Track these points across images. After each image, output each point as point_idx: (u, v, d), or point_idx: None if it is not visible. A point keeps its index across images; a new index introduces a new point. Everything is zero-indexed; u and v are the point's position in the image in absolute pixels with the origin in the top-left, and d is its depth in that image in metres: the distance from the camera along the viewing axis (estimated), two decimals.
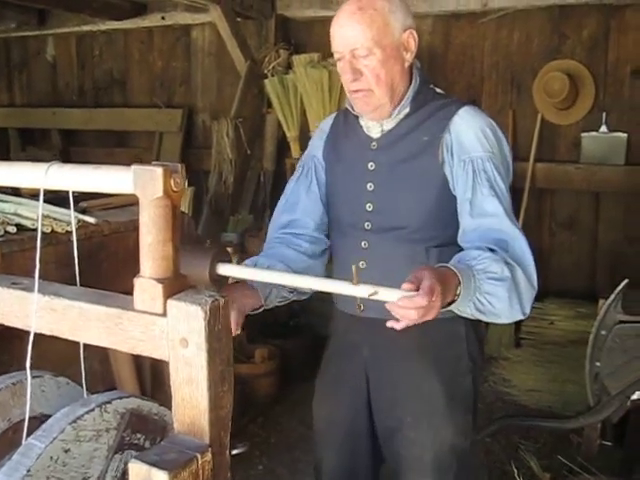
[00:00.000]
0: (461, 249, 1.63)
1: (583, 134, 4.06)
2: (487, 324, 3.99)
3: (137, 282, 0.87)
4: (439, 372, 1.76)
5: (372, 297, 1.27)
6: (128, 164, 0.87)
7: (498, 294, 1.51)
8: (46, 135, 5.82)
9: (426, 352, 1.74)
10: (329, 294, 1.56)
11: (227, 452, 0.89)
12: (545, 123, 4.14)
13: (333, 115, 1.93)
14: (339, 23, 1.65)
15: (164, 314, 0.85)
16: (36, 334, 0.95)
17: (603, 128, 4.01)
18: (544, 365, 3.79)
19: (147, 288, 0.86)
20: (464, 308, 1.52)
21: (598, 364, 2.38)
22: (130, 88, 5.47)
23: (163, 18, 4.97)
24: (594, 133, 4.04)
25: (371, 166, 1.74)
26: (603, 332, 2.35)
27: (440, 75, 4.34)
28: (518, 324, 4.04)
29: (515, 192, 3.94)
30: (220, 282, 1.38)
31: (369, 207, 1.74)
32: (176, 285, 0.86)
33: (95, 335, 0.91)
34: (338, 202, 1.84)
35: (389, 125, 1.72)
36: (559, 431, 3.04)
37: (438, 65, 4.37)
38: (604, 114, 4.00)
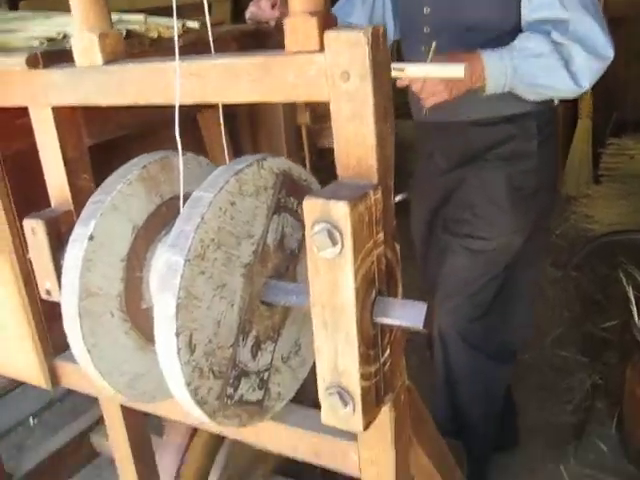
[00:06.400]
0: None
1: None
2: (564, 161, 3.88)
3: (287, 22, 0.82)
4: (503, 166, 1.81)
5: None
6: None
7: (534, 70, 1.59)
8: None
9: (491, 149, 1.80)
10: None
11: (392, 197, 0.87)
12: None
13: None
14: None
15: (321, 49, 0.81)
16: None
17: None
18: (626, 198, 3.70)
19: (299, 25, 0.81)
20: (518, 89, 1.64)
21: None
22: None
23: None
24: None
25: None
26: None
27: None
28: (596, 161, 3.92)
29: None
30: None
31: (426, 10, 1.82)
32: (329, 19, 0.82)
33: (244, 91, 0.87)
34: (401, 11, 1.95)
35: None
36: None
37: None
38: None
